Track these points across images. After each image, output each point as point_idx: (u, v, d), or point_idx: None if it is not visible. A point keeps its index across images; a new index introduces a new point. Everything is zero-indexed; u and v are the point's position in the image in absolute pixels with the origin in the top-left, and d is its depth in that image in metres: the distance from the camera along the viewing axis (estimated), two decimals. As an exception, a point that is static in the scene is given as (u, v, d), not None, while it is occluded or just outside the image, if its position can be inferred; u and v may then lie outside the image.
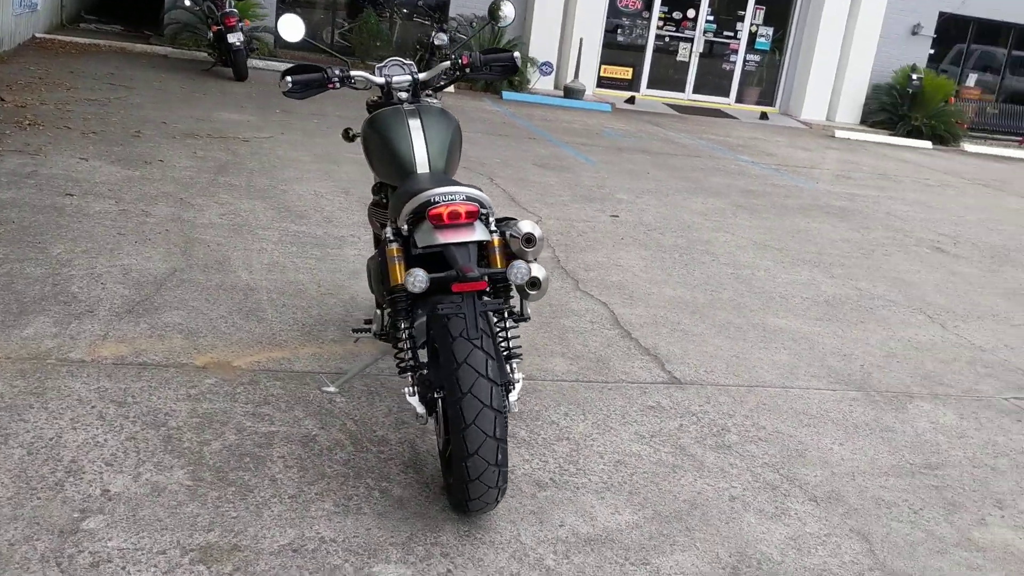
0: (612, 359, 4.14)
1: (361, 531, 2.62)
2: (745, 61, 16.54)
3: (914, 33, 16.84)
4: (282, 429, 3.13)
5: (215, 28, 11.10)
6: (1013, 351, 5.10)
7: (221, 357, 3.62)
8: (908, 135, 15.79)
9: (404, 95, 3.44)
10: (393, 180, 3.19)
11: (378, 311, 3.18)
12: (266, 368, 3.58)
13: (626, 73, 16.11)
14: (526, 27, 14.58)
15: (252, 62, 11.72)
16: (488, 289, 2.75)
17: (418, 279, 2.48)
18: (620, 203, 7.51)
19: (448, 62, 3.50)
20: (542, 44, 14.65)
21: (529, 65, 14.42)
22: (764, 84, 16.92)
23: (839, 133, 15.11)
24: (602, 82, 15.82)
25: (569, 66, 14.72)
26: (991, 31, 18.01)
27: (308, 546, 2.52)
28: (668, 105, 15.56)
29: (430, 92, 3.53)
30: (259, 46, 12.69)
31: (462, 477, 2.53)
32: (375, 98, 3.51)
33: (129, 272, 4.39)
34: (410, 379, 2.76)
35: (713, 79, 16.53)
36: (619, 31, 15.90)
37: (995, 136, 17.25)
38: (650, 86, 16.15)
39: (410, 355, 2.79)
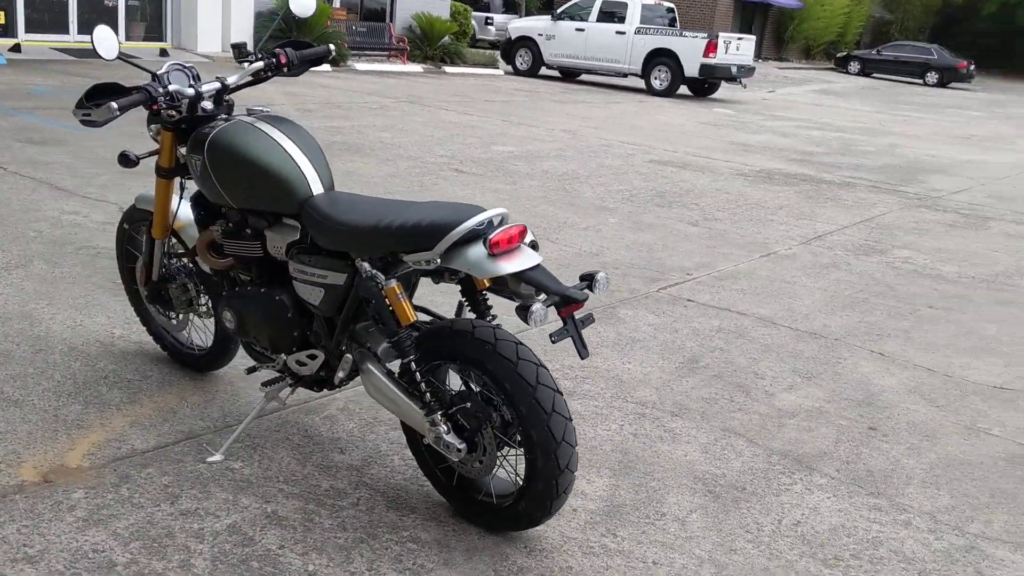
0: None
1: (455, 586, 2.49)
2: (128, -3, 15.53)
3: (285, -41, 17.32)
4: (236, 518, 2.68)
5: None
6: (612, 250, 6.12)
7: (43, 462, 2.87)
8: (303, 59, 16.42)
9: (209, 105, 3.01)
10: (280, 207, 2.83)
11: (315, 354, 2.83)
12: (112, 458, 2.94)
13: (-2, 17, 14.08)
14: None
15: None
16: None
17: (540, 315, 2.36)
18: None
19: (259, 63, 3.11)
20: None
21: None
22: (150, 20, 16.12)
23: (248, 64, 15.16)
24: (-30, 29, 13.64)
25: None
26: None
27: (440, 621, 2.34)
28: (58, 50, 14.04)
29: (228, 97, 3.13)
30: None
31: (549, 494, 2.53)
32: (173, 113, 2.98)
33: None
34: (440, 418, 2.60)
35: (96, 18, 15.24)
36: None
37: (367, 53, 18.75)
38: (30, 30, 14.35)
39: (429, 395, 2.61)
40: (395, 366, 2.79)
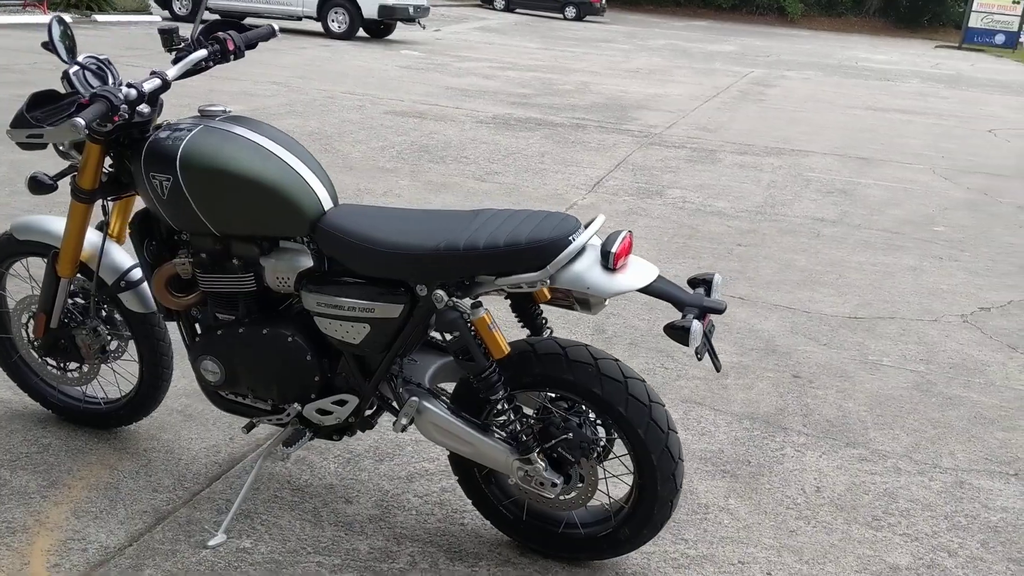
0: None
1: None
2: None
3: None
4: (301, 613, 2.23)
5: None
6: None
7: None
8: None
9: (146, 109, 2.41)
10: (284, 231, 2.33)
11: (302, 405, 2.40)
12: (87, 565, 2.31)
13: None
14: None
15: None
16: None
17: (700, 332, 2.09)
18: None
19: (201, 51, 2.53)
20: None
21: None
22: None
23: None
24: None
25: None
26: None
27: None
28: None
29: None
30: None
31: (664, 516, 2.35)
32: (105, 123, 2.34)
33: None
34: (537, 455, 2.30)
35: None
36: None
37: (-3, 0, 16.30)
38: None
39: (522, 429, 2.30)
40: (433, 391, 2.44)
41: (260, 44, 2.68)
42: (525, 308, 2.45)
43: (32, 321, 2.78)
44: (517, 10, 33.69)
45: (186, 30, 2.57)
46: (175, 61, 2.52)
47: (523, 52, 18.67)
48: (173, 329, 2.66)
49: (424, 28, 20.09)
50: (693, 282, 2.28)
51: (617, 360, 2.30)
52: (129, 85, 2.34)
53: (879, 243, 6.21)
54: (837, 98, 15.09)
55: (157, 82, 2.39)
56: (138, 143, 2.39)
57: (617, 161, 8.29)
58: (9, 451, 2.77)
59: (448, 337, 2.23)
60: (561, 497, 2.37)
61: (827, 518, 2.84)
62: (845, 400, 3.69)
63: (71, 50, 2.34)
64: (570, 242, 2.11)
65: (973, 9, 34.14)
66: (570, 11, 32.57)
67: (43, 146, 2.33)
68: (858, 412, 3.59)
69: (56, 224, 2.67)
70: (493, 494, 2.50)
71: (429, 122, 9.38)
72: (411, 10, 18.06)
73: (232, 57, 2.58)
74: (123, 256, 2.66)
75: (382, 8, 17.54)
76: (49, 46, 2.28)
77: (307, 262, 2.35)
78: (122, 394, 2.90)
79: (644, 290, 2.16)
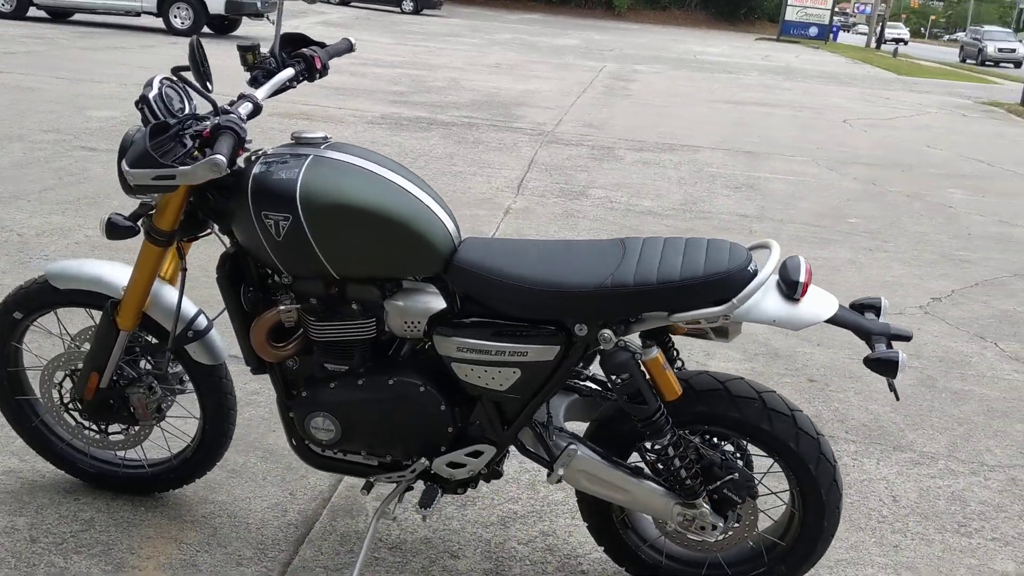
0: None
1: None
2: None
3: None
4: None
5: None
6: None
7: None
8: None
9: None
10: (413, 270, 2.09)
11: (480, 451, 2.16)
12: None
13: None
14: None
15: None
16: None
17: (904, 363, 1.97)
18: None
19: (288, 70, 2.25)
20: None
21: None
22: None
23: None
24: None
25: None
26: None
27: None
28: None
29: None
30: None
31: (822, 551, 2.26)
32: (198, 154, 2.03)
33: None
34: (704, 496, 2.15)
35: None
36: None
37: None
38: None
39: (685, 472, 2.14)
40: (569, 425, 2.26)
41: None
42: (660, 339, 2.28)
43: (69, 381, 2.39)
44: (352, 3, 33.03)
45: (254, 43, 2.26)
46: (253, 81, 2.22)
47: (378, 48, 18.27)
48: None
49: (273, 23, 19.29)
50: (857, 306, 2.18)
51: (774, 391, 2.18)
52: (232, 110, 2.02)
53: (809, 237, 6.37)
54: (694, 92, 15.53)
55: (250, 106, 2.10)
56: (227, 178, 2.08)
57: (526, 161, 8.18)
58: (49, 531, 2.38)
59: (616, 379, 2.05)
60: (718, 539, 2.23)
61: (918, 529, 2.83)
62: (868, 402, 3.71)
63: (207, 78, 2.01)
64: (753, 273, 1.97)
65: (789, 3, 36.07)
66: (408, 4, 32.20)
67: (172, 189, 1.98)
68: (886, 414, 3.62)
69: (103, 269, 2.31)
70: (631, 539, 2.33)
71: (319, 123, 8.99)
72: (259, 4, 17.32)
73: (318, 75, 2.29)
74: (186, 303, 2.32)
75: (229, 3, 16.75)
76: (185, 74, 1.94)
77: (439, 303, 2.11)
78: (171, 454, 2.55)
79: (830, 320, 2.05)
